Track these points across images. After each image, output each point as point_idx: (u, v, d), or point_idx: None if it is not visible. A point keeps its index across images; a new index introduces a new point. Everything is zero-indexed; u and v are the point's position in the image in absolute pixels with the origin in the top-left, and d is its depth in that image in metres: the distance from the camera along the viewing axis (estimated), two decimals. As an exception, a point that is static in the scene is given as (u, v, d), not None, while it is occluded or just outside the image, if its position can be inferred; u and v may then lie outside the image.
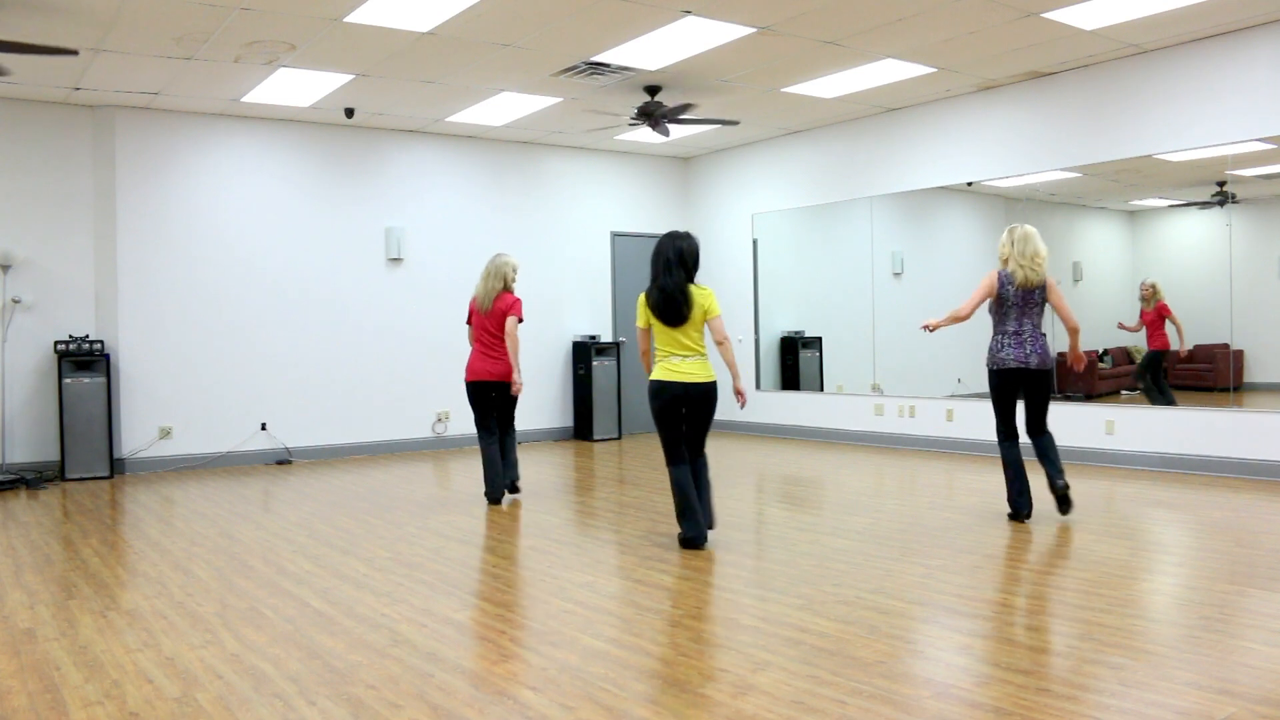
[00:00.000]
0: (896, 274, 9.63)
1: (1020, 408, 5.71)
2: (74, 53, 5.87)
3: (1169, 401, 7.74)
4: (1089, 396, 8.19)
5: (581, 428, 10.55)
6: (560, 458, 9.10)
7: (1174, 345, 7.87)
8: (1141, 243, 8.49)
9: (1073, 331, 5.60)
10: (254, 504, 6.83)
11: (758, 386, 10.69)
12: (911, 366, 9.45)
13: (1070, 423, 7.99)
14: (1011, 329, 5.57)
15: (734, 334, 10.90)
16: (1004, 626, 3.69)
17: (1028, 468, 5.74)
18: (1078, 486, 6.75)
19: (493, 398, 6.54)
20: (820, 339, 10.36)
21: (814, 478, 7.63)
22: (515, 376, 6.47)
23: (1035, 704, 2.90)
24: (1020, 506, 5.63)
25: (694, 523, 5.13)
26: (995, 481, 6.92)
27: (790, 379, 10.49)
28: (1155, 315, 8.06)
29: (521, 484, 6.93)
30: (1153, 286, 8.12)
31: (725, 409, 10.97)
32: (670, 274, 5.07)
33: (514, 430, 6.75)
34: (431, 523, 5.99)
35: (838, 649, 3.46)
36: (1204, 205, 7.54)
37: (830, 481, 7.41)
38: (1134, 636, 3.52)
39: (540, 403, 10.47)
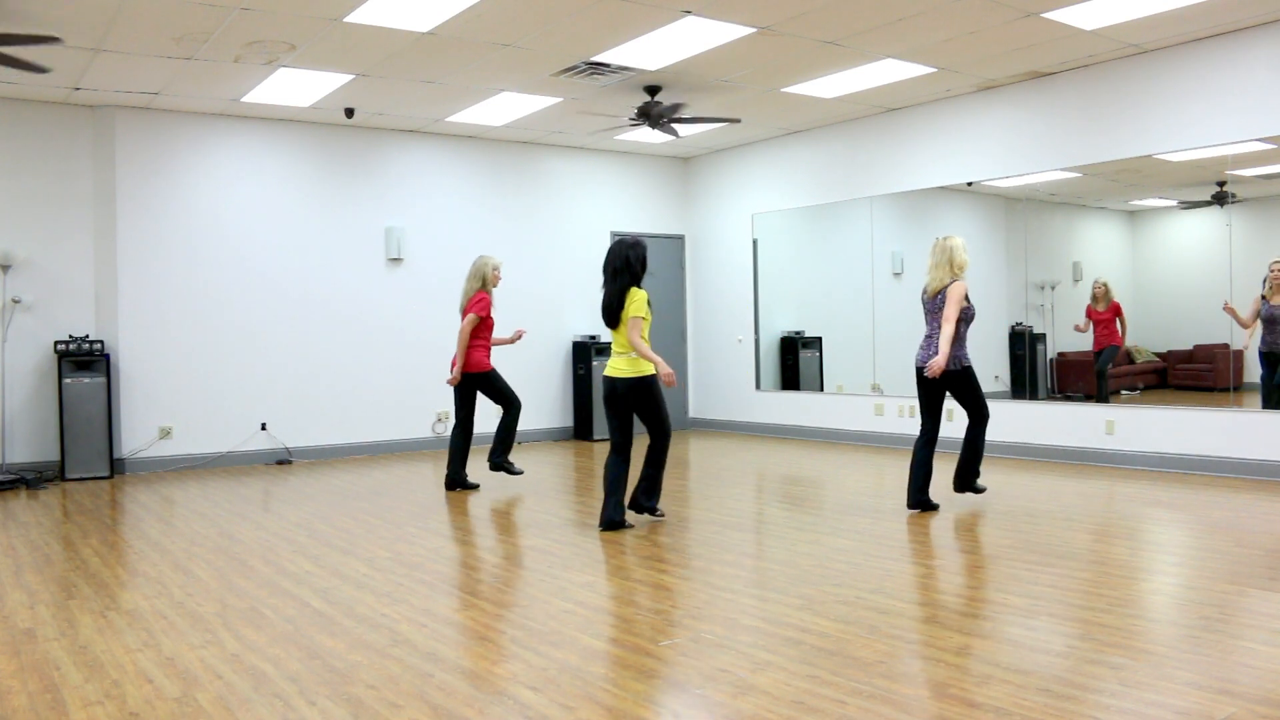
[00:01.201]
0: (896, 274, 9.63)
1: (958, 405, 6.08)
2: (57, 40, 5.82)
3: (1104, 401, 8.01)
4: (1089, 396, 8.19)
5: (581, 428, 10.55)
6: (560, 458, 9.10)
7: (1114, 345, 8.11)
8: (1141, 243, 8.49)
9: (943, 337, 5.70)
10: (254, 504, 6.83)
11: (758, 386, 10.69)
12: (911, 366, 9.44)
13: (1070, 423, 7.99)
14: (926, 333, 5.95)
15: (733, 334, 10.91)
16: (1004, 626, 3.70)
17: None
18: (1078, 487, 6.76)
19: (474, 388, 7.09)
20: (820, 339, 10.36)
21: (814, 478, 7.63)
22: (454, 369, 6.99)
23: (1035, 704, 2.90)
24: (910, 497, 5.94)
25: (605, 507, 5.58)
26: (995, 481, 6.92)
27: (790, 379, 10.49)
28: (1110, 314, 8.08)
29: (511, 463, 7.23)
30: (1105, 285, 8.15)
31: (730, 407, 10.98)
32: (615, 281, 5.48)
33: (503, 419, 7.11)
34: (431, 523, 5.99)
35: (838, 649, 3.46)
36: (1199, 205, 7.54)
37: (830, 481, 7.41)
38: (1134, 636, 3.52)
39: (540, 403, 10.47)
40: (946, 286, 5.76)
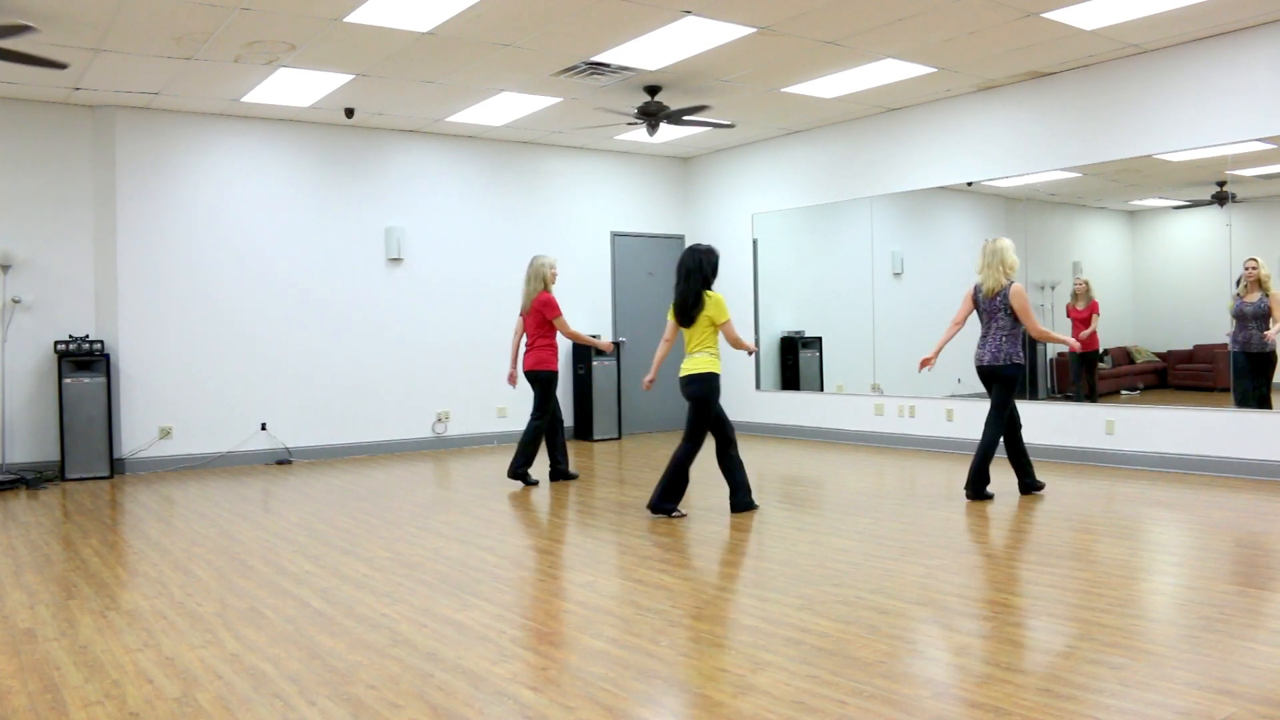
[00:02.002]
0: (896, 274, 9.63)
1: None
2: (63, 66, 5.82)
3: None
4: (1089, 397, 8.18)
5: (581, 428, 10.55)
6: (560, 458, 9.09)
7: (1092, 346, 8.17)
8: (1141, 243, 8.49)
9: (1039, 338, 6.28)
10: (254, 504, 6.83)
11: (758, 386, 10.69)
12: (911, 366, 9.43)
13: (1070, 423, 7.99)
14: (982, 332, 6.33)
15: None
16: (1004, 626, 3.70)
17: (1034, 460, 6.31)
18: (1078, 487, 6.76)
19: (534, 387, 7.23)
20: (820, 339, 10.36)
21: (814, 478, 7.63)
22: (600, 343, 7.51)
23: (1035, 704, 2.90)
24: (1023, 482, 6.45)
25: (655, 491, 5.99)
26: (994, 481, 6.92)
27: (790, 379, 10.49)
28: (1088, 313, 8.08)
29: (529, 474, 7.34)
30: (1085, 283, 8.16)
31: (730, 407, 10.97)
32: (687, 281, 5.88)
33: (532, 421, 7.22)
34: (431, 523, 5.99)
35: (838, 649, 3.46)
36: (1204, 205, 7.54)
37: (830, 481, 7.41)
38: (1134, 636, 3.52)
39: (540, 403, 10.47)
40: (1005, 289, 6.15)
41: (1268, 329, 6.97)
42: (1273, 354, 7.00)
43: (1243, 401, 7.11)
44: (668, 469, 5.97)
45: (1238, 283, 7.12)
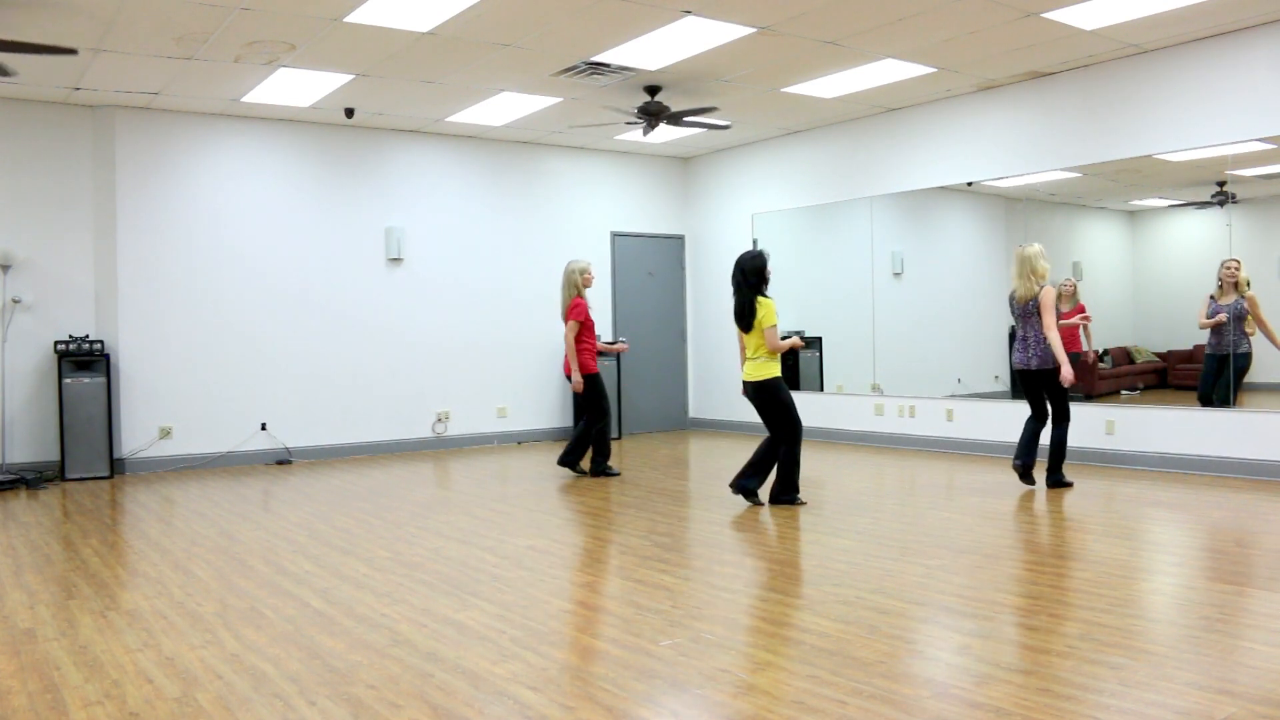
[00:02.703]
0: (896, 274, 9.62)
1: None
2: (73, 52, 5.85)
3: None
4: (1089, 396, 8.19)
5: (581, 428, 10.54)
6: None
7: (1084, 348, 8.15)
8: (1141, 243, 8.49)
9: (1047, 336, 6.36)
10: (254, 504, 6.83)
11: (758, 386, 10.68)
12: (911, 366, 9.45)
13: (1070, 423, 7.98)
14: (1019, 335, 6.58)
15: (733, 334, 10.88)
16: (1004, 626, 3.70)
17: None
18: (1078, 487, 6.75)
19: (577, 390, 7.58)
20: (820, 339, 10.35)
21: (814, 478, 7.62)
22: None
23: (1035, 704, 2.90)
24: (1016, 463, 6.56)
25: (739, 475, 6.30)
26: (995, 481, 6.93)
27: (790, 379, 10.40)
28: (1072, 315, 8.05)
29: (581, 466, 7.71)
30: (1074, 284, 8.15)
31: (730, 407, 10.96)
32: (739, 292, 6.18)
33: (587, 419, 7.55)
34: (431, 523, 5.99)
35: (838, 649, 3.46)
36: (1204, 205, 7.54)
37: (830, 481, 7.41)
38: (1134, 636, 3.52)
39: (540, 402, 10.48)
40: (1036, 294, 6.41)
41: (1244, 330, 7.00)
42: (1248, 355, 7.03)
43: (1209, 402, 7.17)
44: (780, 468, 6.26)
45: (1219, 287, 7.15)
